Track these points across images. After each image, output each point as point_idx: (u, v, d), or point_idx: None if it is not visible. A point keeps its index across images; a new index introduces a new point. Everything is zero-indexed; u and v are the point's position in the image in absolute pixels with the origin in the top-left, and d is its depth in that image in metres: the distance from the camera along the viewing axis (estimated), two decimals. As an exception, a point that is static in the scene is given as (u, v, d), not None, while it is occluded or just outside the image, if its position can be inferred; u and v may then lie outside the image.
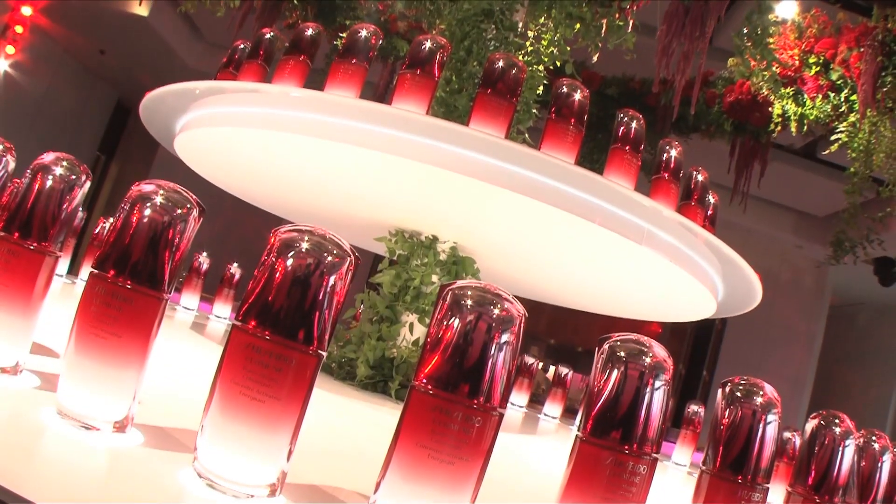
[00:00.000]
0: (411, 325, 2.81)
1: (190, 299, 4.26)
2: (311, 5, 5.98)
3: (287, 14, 6.12)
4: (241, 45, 2.98)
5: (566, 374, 4.44)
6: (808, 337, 12.13)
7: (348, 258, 1.21)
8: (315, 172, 2.74)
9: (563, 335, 13.35)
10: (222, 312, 4.33)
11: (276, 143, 2.56)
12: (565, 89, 2.26)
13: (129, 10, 10.12)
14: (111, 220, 4.04)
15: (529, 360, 4.34)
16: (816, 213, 11.36)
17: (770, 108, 5.93)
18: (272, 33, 2.81)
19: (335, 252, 1.19)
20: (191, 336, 3.27)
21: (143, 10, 9.99)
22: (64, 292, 3.48)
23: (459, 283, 1.21)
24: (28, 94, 11.82)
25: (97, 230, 3.74)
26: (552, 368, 4.60)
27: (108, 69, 13.16)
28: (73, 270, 4.30)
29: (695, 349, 12.58)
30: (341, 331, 3.09)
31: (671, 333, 12.58)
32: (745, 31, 3.44)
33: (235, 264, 4.36)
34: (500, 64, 2.20)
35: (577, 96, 2.27)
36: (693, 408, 3.95)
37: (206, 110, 2.91)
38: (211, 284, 4.52)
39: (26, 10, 10.74)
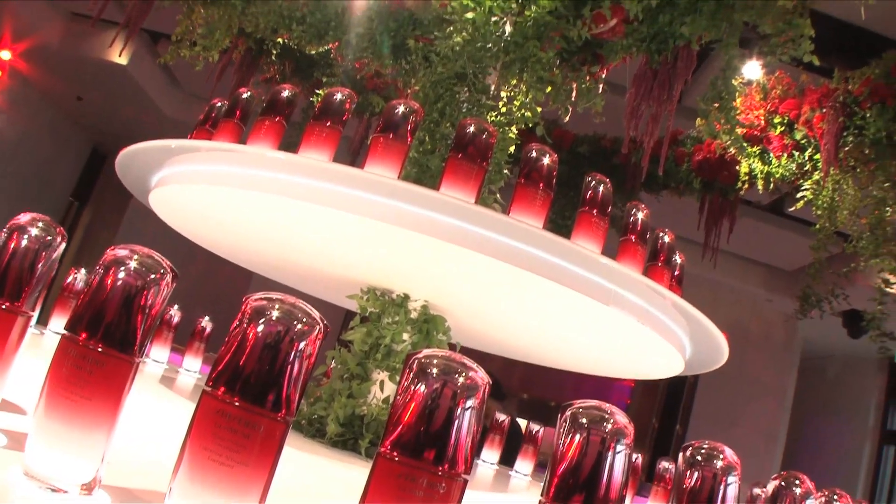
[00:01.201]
0: (382, 382, 2.82)
1: (159, 352, 4.24)
2: (289, 60, 6.07)
3: (265, 68, 6.21)
4: (219, 104, 3.03)
5: (537, 431, 4.44)
6: (780, 390, 12.23)
7: (317, 326, 1.25)
8: (288, 231, 2.77)
9: (536, 390, 13.34)
10: (192, 366, 4.31)
11: (249, 202, 2.60)
12: (534, 154, 2.33)
13: (108, 58, 10.20)
14: (82, 270, 3.99)
15: (501, 416, 4.34)
16: (785, 267, 11.55)
17: (737, 167, 6.08)
18: (249, 93, 2.86)
19: (304, 321, 1.22)
20: (159, 391, 3.26)
21: (122, 59, 10.07)
22: (32, 343, 3.45)
23: (425, 351, 1.25)
24: (3, 137, 11.81)
25: (68, 279, 3.73)
26: (523, 424, 4.60)
27: (84, 115, 13.19)
28: (41, 320, 4.27)
29: (667, 403, 12.63)
30: (312, 387, 3.09)
31: (644, 388, 12.65)
32: (710, 95, 3.55)
33: (207, 318, 4.35)
34: (471, 129, 2.27)
35: (546, 161, 2.33)
36: (664, 464, 3.97)
37: (181, 167, 2.95)
38: (182, 336, 4.50)
39: (5, 55, 10.80)
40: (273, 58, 6.00)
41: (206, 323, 4.33)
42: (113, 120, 13.01)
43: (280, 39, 5.24)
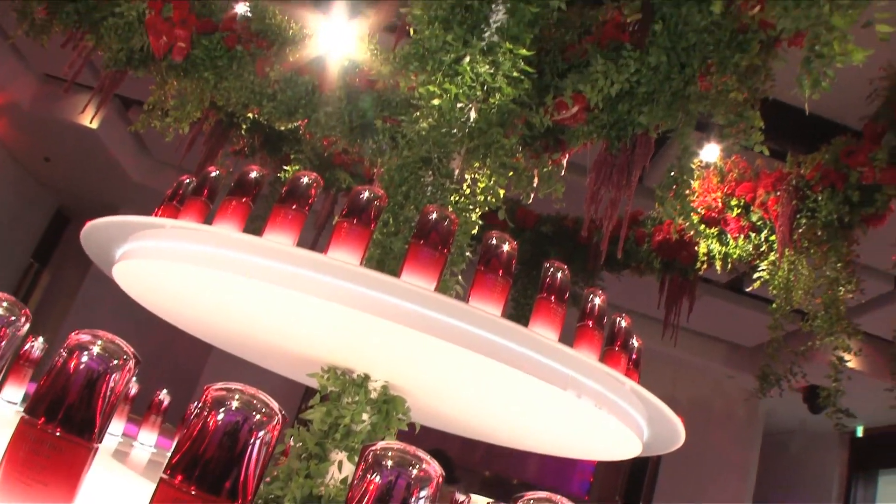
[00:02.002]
0: (340, 463, 2.81)
1: (115, 424, 4.17)
2: (259, 134, 6.17)
3: (234, 140, 6.30)
4: (187, 180, 3.07)
5: (497, 512, 4.41)
6: (744, 466, 12.26)
7: (276, 417, 1.27)
8: (250, 310, 2.79)
9: (499, 466, 13.22)
10: (147, 440, 4.24)
11: (213, 281, 2.62)
12: (494, 241, 2.40)
13: (78, 121, 10.23)
14: (40, 339, 3.94)
15: (460, 497, 4.31)
16: (746, 343, 11.70)
17: (696, 247, 6.22)
18: (217, 172, 2.91)
19: (263, 411, 1.25)
20: (113, 466, 3.20)
21: (92, 123, 10.11)
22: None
23: (380, 444, 1.28)
24: (-35, 192, 11.72)
25: (24, 347, 3.70)
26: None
27: (51, 177, 13.15)
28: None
29: (631, 481, 12.58)
30: (269, 466, 3.06)
31: (607, 466, 12.60)
32: (666, 183, 3.68)
33: (164, 391, 4.31)
34: (433, 216, 2.34)
35: (506, 248, 2.40)
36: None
37: (146, 242, 2.97)
38: (138, 407, 4.44)
39: (-26, 111, 10.80)
40: (243, 131, 6.09)
41: (163, 396, 4.28)
42: (79, 183, 12.97)
43: (250, 114, 5.34)
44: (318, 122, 4.33)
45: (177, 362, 11.62)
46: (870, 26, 3.23)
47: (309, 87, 4.42)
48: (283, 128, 5.31)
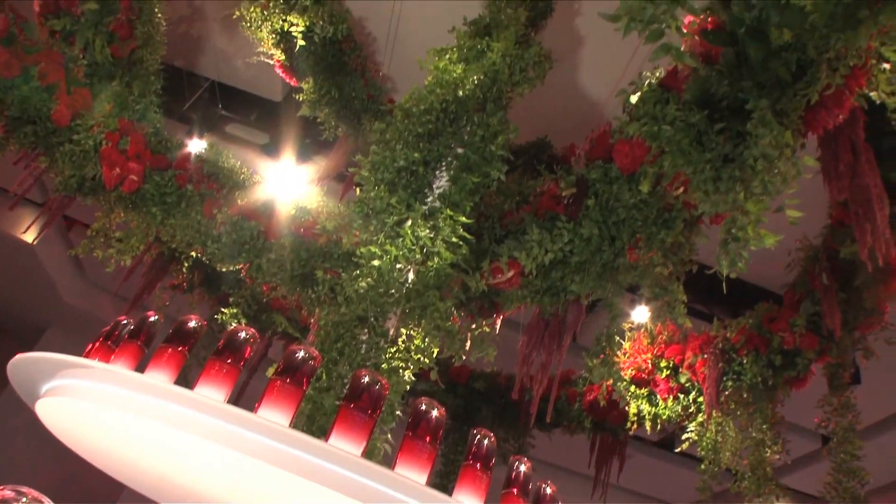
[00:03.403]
0: None
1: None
2: (199, 271, 6.20)
3: (174, 274, 6.31)
4: (124, 321, 3.08)
5: None
6: None
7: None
8: (172, 457, 2.76)
9: None
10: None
11: (139, 429, 2.60)
12: (424, 407, 2.45)
13: (16, 233, 10.09)
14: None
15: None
16: (677, 501, 11.66)
17: (626, 407, 6.33)
18: (156, 317, 2.94)
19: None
20: None
21: (29, 236, 9.97)
22: None
23: None
24: None
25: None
26: None
27: (-21, 286, 12.78)
28: None
29: None
30: None
31: None
32: (595, 350, 3.81)
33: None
34: (365, 380, 2.40)
35: (434, 414, 2.46)
36: None
37: (73, 381, 2.94)
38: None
39: None
40: (184, 268, 6.12)
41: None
42: (8, 296, 12.64)
43: (193, 252, 5.39)
44: (261, 267, 4.41)
45: (88, 495, 11.04)
46: (781, 212, 3.50)
47: (254, 232, 4.52)
48: (224, 269, 5.37)
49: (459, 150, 3.72)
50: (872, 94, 3.84)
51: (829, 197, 4.81)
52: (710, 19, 3.68)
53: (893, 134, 4.77)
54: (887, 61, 3.68)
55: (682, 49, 3.51)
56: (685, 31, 3.67)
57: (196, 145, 5.52)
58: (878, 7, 3.23)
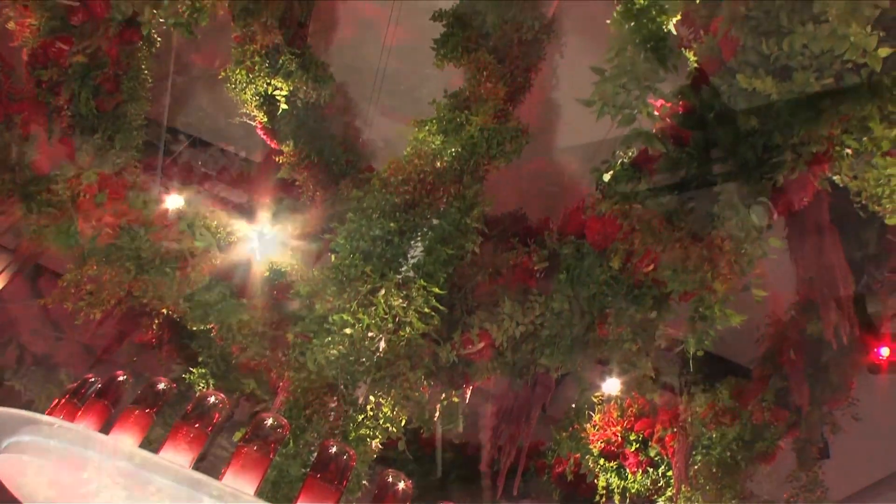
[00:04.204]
0: None
1: None
2: (168, 329, 6.14)
3: (144, 329, 6.24)
4: (92, 379, 3.06)
5: None
6: None
7: None
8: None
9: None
10: None
11: (99, 486, 2.57)
12: (390, 479, 2.45)
13: (-17, 278, 9.93)
14: None
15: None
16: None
17: (595, 481, 6.31)
18: (125, 376, 2.93)
19: None
20: None
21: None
22: None
23: None
24: None
25: None
26: None
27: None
28: None
29: None
30: None
31: None
32: (564, 424, 3.83)
33: None
34: (333, 450, 2.40)
35: (401, 486, 2.46)
36: None
37: (35, 438, 2.90)
38: None
39: None
40: (154, 324, 6.07)
41: None
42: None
43: (165, 309, 5.35)
44: (231, 328, 4.40)
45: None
46: (747, 291, 3.59)
47: (227, 292, 4.52)
48: (194, 328, 5.33)
49: (435, 221, 3.79)
50: (836, 177, 3.98)
51: (797, 275, 4.93)
52: (681, 103, 3.82)
53: (856, 215, 4.91)
54: (849, 147, 3.82)
55: (653, 132, 3.65)
56: (657, 114, 3.80)
57: (174, 201, 5.53)
58: (839, 97, 3.39)
